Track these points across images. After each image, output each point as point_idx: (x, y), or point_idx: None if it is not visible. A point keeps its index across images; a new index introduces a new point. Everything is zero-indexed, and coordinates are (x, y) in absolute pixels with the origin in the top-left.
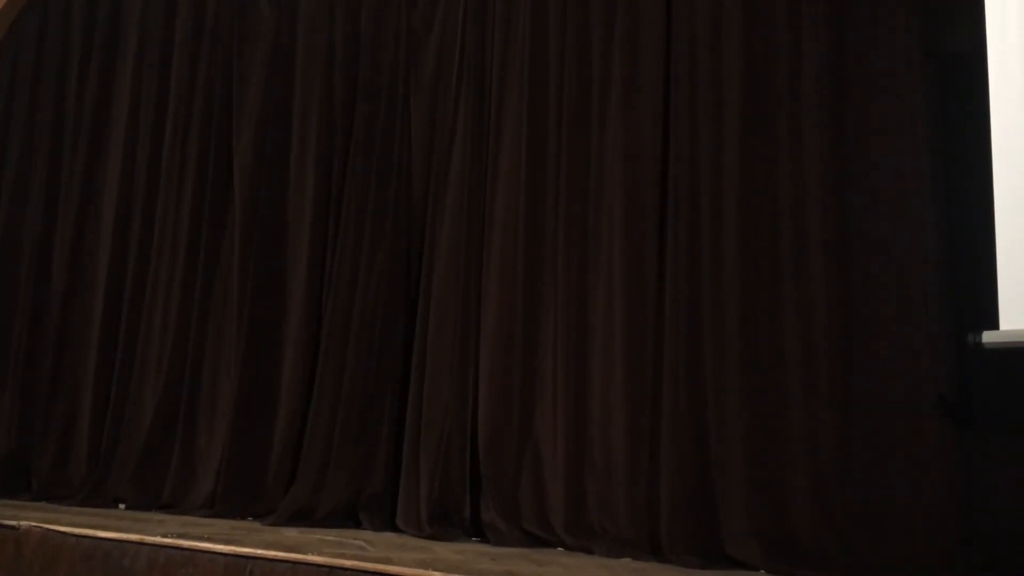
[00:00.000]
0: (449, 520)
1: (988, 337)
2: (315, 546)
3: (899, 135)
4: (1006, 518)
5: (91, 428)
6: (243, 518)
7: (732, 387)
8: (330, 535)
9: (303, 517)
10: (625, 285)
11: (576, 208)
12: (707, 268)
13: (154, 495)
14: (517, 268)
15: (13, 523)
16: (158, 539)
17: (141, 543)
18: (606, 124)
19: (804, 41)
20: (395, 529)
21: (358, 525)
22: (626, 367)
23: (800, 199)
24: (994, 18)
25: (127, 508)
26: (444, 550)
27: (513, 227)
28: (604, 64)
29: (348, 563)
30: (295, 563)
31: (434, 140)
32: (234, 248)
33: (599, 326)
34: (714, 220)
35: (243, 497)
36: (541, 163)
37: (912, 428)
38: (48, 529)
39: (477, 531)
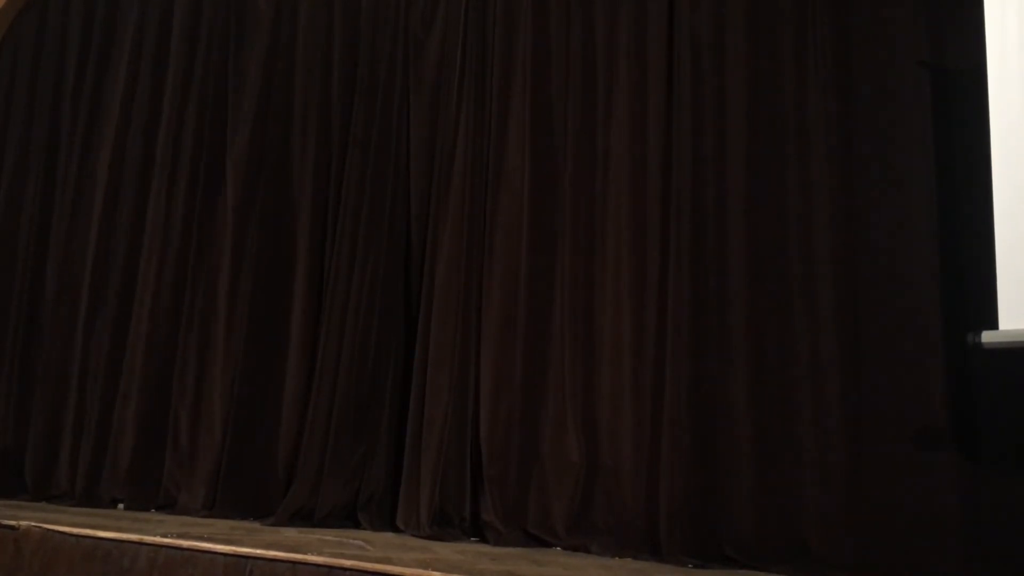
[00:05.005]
0: (449, 520)
1: (988, 337)
2: (315, 546)
3: (903, 141)
4: (1013, 521)
5: (86, 430)
6: (243, 519)
7: (738, 391)
8: (330, 535)
9: (302, 518)
10: (631, 288)
11: (581, 211)
12: (712, 273)
13: (152, 496)
14: (520, 270)
15: (13, 523)
16: (158, 539)
17: (141, 543)
18: (610, 125)
19: (809, 49)
20: (395, 529)
21: (357, 525)
22: (631, 370)
23: (806, 204)
24: (993, 28)
25: (126, 508)
26: (444, 550)
27: (516, 229)
28: (608, 64)
29: (348, 563)
30: (295, 563)
31: (436, 140)
32: (230, 247)
33: (604, 329)
34: (719, 225)
35: (242, 498)
36: (545, 165)
37: (920, 433)
38: (48, 529)
39: (476, 531)
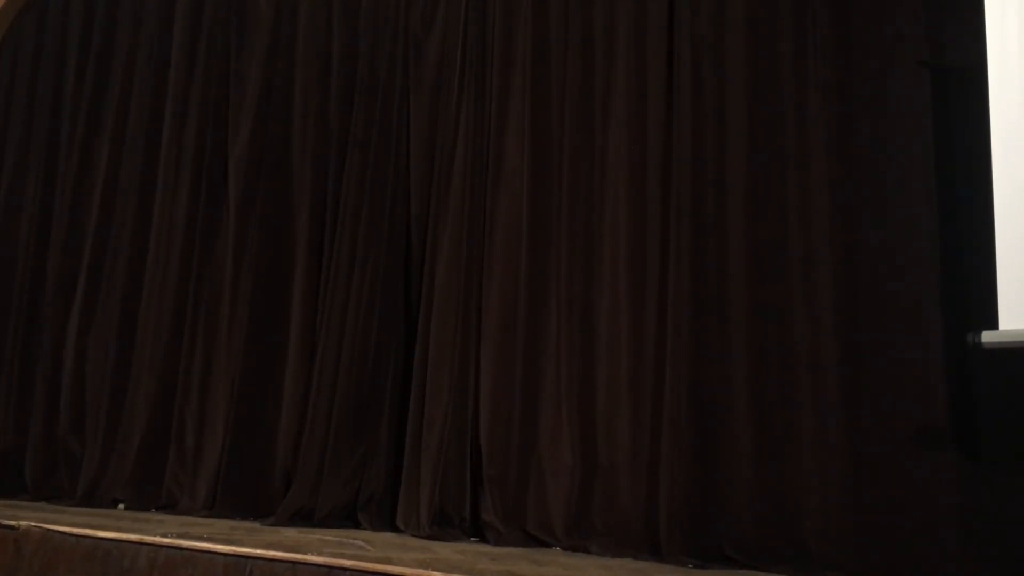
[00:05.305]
0: (449, 520)
1: (988, 337)
2: (315, 546)
3: (903, 141)
4: (1013, 521)
5: (88, 431)
6: (243, 519)
7: (738, 391)
8: (330, 535)
9: (303, 518)
10: (629, 287)
11: (579, 210)
12: (712, 273)
13: (152, 497)
14: (520, 270)
15: (13, 523)
16: (158, 539)
17: (141, 543)
18: (609, 126)
19: (809, 49)
20: (395, 529)
21: (357, 525)
22: (630, 369)
23: (806, 204)
24: (994, 28)
25: (127, 508)
26: (444, 550)
27: (516, 229)
28: (608, 64)
29: (348, 563)
30: (295, 563)
31: (436, 140)
32: (230, 247)
33: (603, 328)
34: (719, 225)
35: (242, 498)
36: (544, 165)
37: (920, 433)
38: (48, 529)
39: (476, 531)
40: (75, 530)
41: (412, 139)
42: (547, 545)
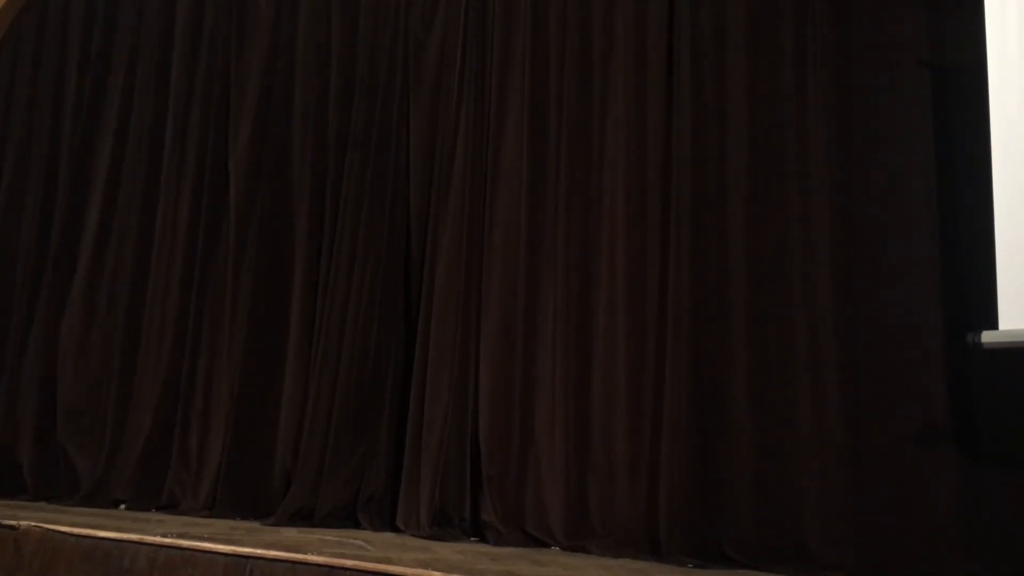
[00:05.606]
0: (449, 520)
1: (988, 337)
2: (315, 546)
3: (903, 141)
4: (1013, 521)
5: (89, 431)
6: (243, 519)
7: (738, 391)
8: (330, 535)
9: (303, 518)
10: (627, 287)
11: (579, 210)
12: (712, 272)
13: (153, 497)
14: (519, 269)
15: (13, 523)
16: (158, 539)
17: (141, 543)
18: (608, 126)
19: (809, 49)
20: (395, 529)
21: (357, 525)
22: (628, 369)
23: (806, 204)
24: (994, 27)
25: (128, 508)
26: (444, 550)
27: (515, 228)
28: (607, 64)
29: (348, 563)
30: (295, 563)
31: (435, 140)
32: (231, 247)
33: (601, 327)
34: (719, 224)
35: (242, 498)
36: (544, 165)
37: (920, 433)
38: (48, 529)
39: (476, 531)
40: (75, 530)
41: (412, 139)
42: (547, 545)
